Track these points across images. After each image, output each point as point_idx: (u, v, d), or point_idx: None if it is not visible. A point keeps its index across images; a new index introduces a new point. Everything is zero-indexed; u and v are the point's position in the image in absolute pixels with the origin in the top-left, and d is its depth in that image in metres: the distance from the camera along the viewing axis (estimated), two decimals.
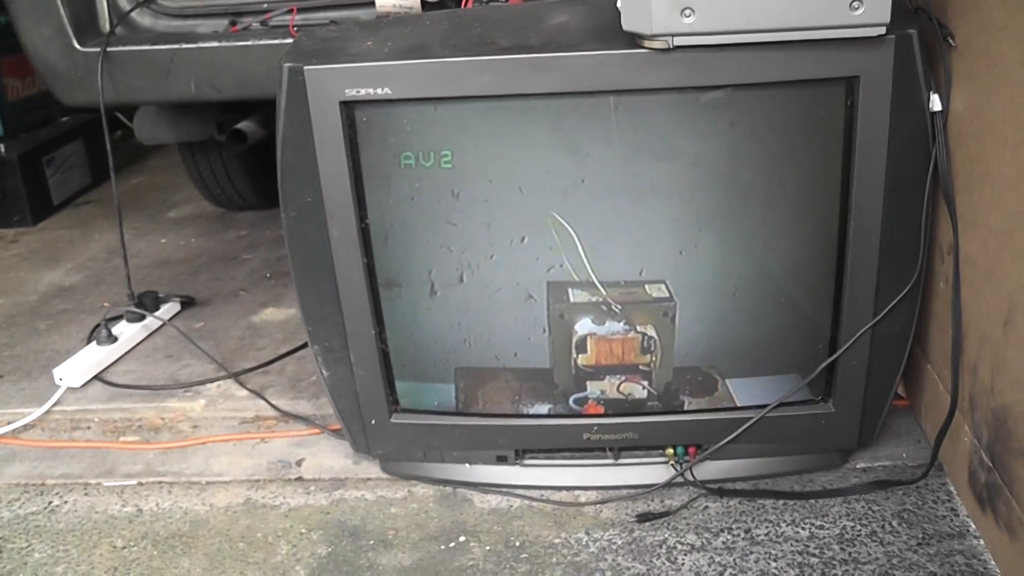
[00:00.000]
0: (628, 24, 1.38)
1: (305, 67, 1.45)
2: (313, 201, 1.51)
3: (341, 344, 1.63)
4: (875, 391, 1.61)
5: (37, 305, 2.71)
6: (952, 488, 1.62)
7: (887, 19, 1.33)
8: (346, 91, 1.44)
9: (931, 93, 1.43)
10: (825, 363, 1.58)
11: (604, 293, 1.55)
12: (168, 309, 2.50)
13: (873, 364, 1.58)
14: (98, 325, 2.34)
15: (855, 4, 1.32)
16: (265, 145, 2.57)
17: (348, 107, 1.46)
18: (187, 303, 2.58)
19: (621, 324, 1.57)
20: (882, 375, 1.60)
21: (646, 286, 1.55)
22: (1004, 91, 1.33)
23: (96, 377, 2.21)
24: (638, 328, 1.58)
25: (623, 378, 1.62)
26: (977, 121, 1.42)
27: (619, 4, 1.39)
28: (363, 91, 1.44)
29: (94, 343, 2.30)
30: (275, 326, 2.43)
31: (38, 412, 2.07)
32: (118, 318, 2.41)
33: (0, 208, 3.42)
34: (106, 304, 2.65)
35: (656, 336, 1.58)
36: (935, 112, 1.45)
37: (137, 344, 2.37)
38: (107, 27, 2.24)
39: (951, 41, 1.48)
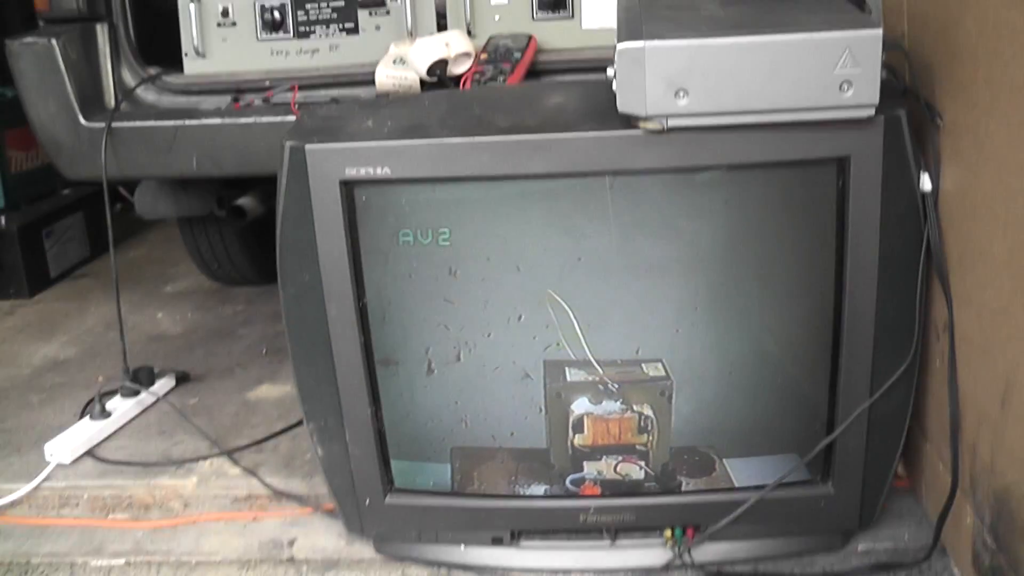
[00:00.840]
0: (623, 106, 1.40)
1: (306, 146, 1.46)
2: (311, 279, 1.52)
3: (336, 422, 1.62)
4: (874, 471, 1.60)
5: (31, 378, 2.70)
6: (956, 570, 1.60)
7: (876, 100, 1.35)
8: (346, 170, 1.45)
9: (921, 172, 1.45)
10: (823, 443, 1.57)
11: (601, 372, 1.55)
12: (163, 384, 2.49)
13: (872, 443, 1.57)
14: (92, 400, 2.32)
15: (844, 86, 1.34)
16: (263, 220, 2.59)
17: (348, 186, 1.47)
18: (182, 378, 2.56)
19: (618, 403, 1.57)
20: (881, 454, 1.59)
21: (643, 365, 1.54)
22: (993, 171, 1.35)
23: (88, 453, 2.18)
24: (635, 407, 1.57)
25: (620, 459, 1.61)
26: (967, 200, 1.43)
27: (614, 86, 1.41)
28: (363, 170, 1.45)
29: (87, 418, 2.28)
30: (270, 403, 2.42)
31: (26, 488, 2.04)
32: (112, 393, 2.40)
33: None
34: (100, 378, 2.64)
35: (653, 415, 1.58)
36: (926, 191, 1.46)
37: (131, 419, 2.35)
38: (112, 102, 2.28)
39: (939, 121, 1.50)
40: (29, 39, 2.21)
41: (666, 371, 1.54)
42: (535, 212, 1.49)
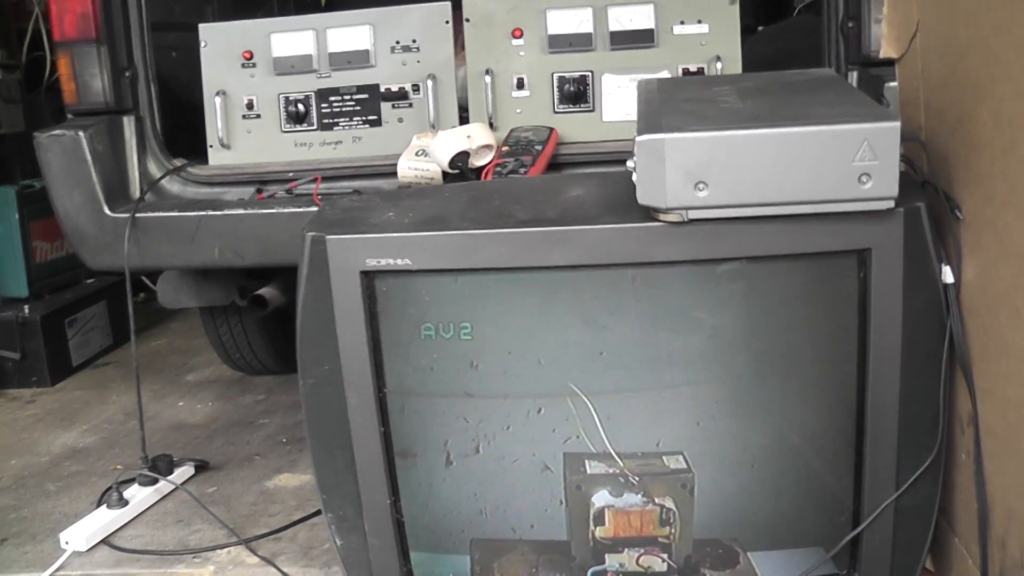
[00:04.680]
0: (643, 198, 1.41)
1: (327, 236, 1.48)
2: (331, 369, 1.52)
3: (355, 513, 1.60)
4: (902, 565, 1.56)
5: (49, 467, 2.70)
6: None
7: (895, 193, 1.36)
8: (367, 261, 1.47)
9: (942, 265, 1.45)
10: (849, 536, 1.54)
11: (621, 464, 1.53)
12: (181, 473, 2.48)
13: (898, 537, 1.54)
14: (109, 488, 2.31)
15: (863, 178, 1.35)
16: (285, 310, 2.61)
17: (368, 277, 1.48)
18: (201, 467, 2.55)
19: (639, 496, 1.55)
20: (908, 548, 1.56)
21: (664, 457, 1.53)
22: (1014, 263, 1.35)
23: (103, 541, 2.17)
24: (656, 500, 1.55)
25: (642, 551, 1.58)
26: (989, 293, 1.43)
27: (634, 178, 1.42)
28: (383, 261, 1.46)
29: (104, 506, 2.28)
30: (289, 492, 2.40)
31: None
32: (130, 481, 2.39)
33: (19, 368, 3.44)
34: (119, 467, 2.63)
35: (675, 508, 1.56)
36: (947, 283, 1.46)
37: (148, 508, 2.34)
38: (137, 193, 2.31)
39: (958, 214, 1.50)
40: (57, 131, 2.26)
41: (687, 463, 1.53)
42: (556, 305, 1.49)
